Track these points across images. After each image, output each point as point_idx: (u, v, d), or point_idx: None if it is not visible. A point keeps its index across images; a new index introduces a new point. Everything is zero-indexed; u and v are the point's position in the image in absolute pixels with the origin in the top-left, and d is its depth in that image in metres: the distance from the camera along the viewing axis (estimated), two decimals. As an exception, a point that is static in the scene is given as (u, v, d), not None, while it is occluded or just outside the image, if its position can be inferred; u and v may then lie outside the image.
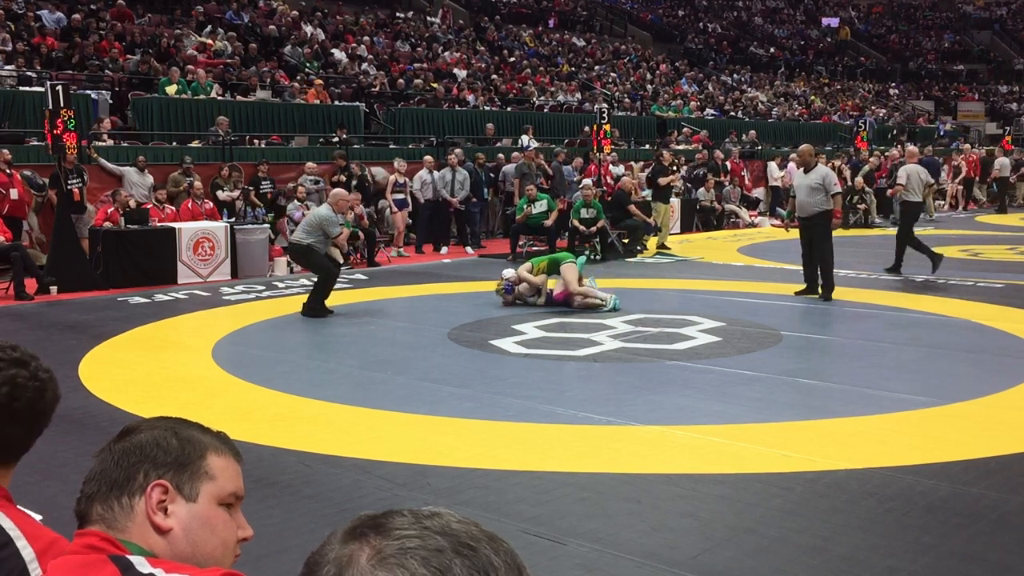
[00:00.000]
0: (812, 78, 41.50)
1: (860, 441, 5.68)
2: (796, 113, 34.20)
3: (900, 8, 52.41)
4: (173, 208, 13.67)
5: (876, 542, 4.21)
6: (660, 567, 3.98)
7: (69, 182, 12.78)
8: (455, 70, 24.56)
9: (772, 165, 22.41)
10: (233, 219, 14.19)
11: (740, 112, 31.41)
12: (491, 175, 18.09)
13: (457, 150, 17.00)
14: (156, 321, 9.91)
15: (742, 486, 4.95)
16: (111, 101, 16.38)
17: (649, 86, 30.89)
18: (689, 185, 20.24)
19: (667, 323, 9.52)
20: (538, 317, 9.94)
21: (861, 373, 7.37)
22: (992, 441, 5.64)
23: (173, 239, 12.61)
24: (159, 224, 12.97)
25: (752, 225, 20.78)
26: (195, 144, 16.19)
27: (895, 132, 33.81)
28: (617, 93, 27.96)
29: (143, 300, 11.19)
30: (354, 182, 15.67)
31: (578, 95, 26.68)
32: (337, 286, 12.12)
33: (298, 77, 19.88)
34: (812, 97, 37.71)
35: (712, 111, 29.99)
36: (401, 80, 22.02)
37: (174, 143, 16.09)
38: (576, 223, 14.96)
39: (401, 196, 16.13)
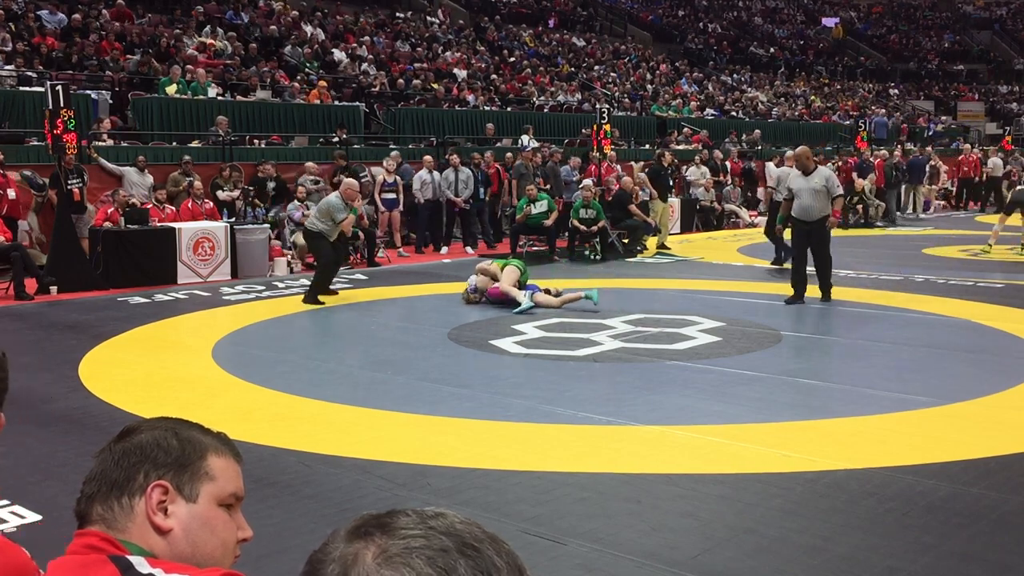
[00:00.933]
0: (812, 78, 41.49)
1: (860, 441, 5.68)
2: (796, 113, 34.20)
3: (900, 8, 52.40)
4: (173, 208, 13.67)
5: (876, 542, 4.21)
6: (660, 567, 3.98)
7: (69, 182, 12.77)
8: (455, 70, 24.56)
9: (770, 165, 22.41)
10: (233, 219, 14.19)
11: (740, 112, 31.41)
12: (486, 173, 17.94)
13: (488, 153, 17.14)
14: (156, 321, 9.91)
15: (742, 486, 4.95)
16: (111, 101, 16.38)
17: (649, 86, 30.89)
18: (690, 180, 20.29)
19: (667, 323, 9.52)
20: (538, 317, 9.94)
21: (861, 373, 7.37)
22: (992, 441, 5.64)
23: (173, 239, 12.61)
24: (159, 224, 12.97)
25: (752, 225, 20.77)
26: (195, 144, 16.19)
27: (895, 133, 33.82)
28: (617, 93, 27.96)
29: (143, 300, 11.18)
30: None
31: (578, 95, 26.68)
32: (337, 286, 12.14)
33: (298, 77, 19.88)
34: (812, 97, 37.71)
35: (712, 111, 29.99)
36: (401, 80, 22.03)
37: (174, 143, 16.09)
38: (576, 223, 14.97)
39: (392, 196, 16.07)
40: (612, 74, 30.72)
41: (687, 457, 5.45)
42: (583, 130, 21.73)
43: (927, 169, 24.49)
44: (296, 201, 14.51)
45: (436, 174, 16.49)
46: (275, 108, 18.20)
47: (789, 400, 6.62)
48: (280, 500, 4.76)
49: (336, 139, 17.52)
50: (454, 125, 20.94)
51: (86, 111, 15.01)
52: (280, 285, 12.42)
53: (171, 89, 16.81)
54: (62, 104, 11.83)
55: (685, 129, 26.42)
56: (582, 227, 14.91)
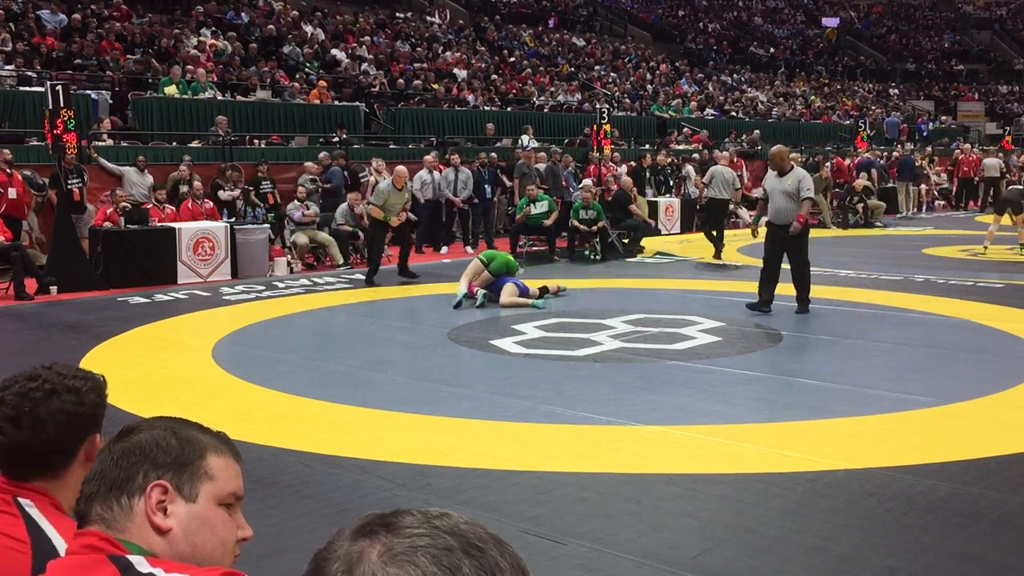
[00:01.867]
0: (812, 78, 41.49)
1: (860, 441, 5.68)
2: (796, 113, 34.20)
3: (900, 8, 52.39)
4: (173, 208, 13.66)
5: (876, 542, 4.21)
6: (660, 567, 3.97)
7: (69, 182, 12.78)
8: (455, 70, 24.56)
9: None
10: (233, 219, 14.19)
11: (740, 112, 31.41)
12: (495, 172, 17.91)
13: (493, 153, 17.14)
14: (156, 321, 9.91)
15: (742, 486, 4.94)
16: (111, 101, 16.38)
17: (649, 86, 30.89)
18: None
19: (667, 323, 9.51)
20: (538, 317, 9.94)
21: (861, 373, 7.36)
22: (992, 441, 5.64)
23: (173, 239, 12.61)
24: (159, 224, 12.97)
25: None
26: (195, 144, 16.19)
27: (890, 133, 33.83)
28: (617, 93, 27.96)
29: (143, 300, 11.18)
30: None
31: (578, 95, 26.67)
32: (337, 286, 12.16)
33: (297, 76, 19.89)
34: (812, 97, 37.71)
35: (712, 111, 29.99)
36: (401, 80, 22.03)
37: (174, 143, 16.09)
38: (576, 223, 14.96)
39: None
40: (612, 74, 30.72)
41: (687, 457, 5.45)
42: (585, 130, 21.73)
43: (914, 169, 24.43)
44: (296, 201, 14.51)
45: (436, 174, 16.48)
46: (275, 108, 18.20)
47: (789, 400, 6.62)
48: (280, 500, 4.76)
49: (336, 139, 17.52)
50: (454, 125, 20.94)
51: (86, 111, 15.01)
52: (280, 285, 12.41)
53: (170, 89, 16.80)
54: (62, 104, 11.83)
55: (685, 129, 26.43)
56: (582, 227, 14.91)
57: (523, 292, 10.90)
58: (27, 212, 12.99)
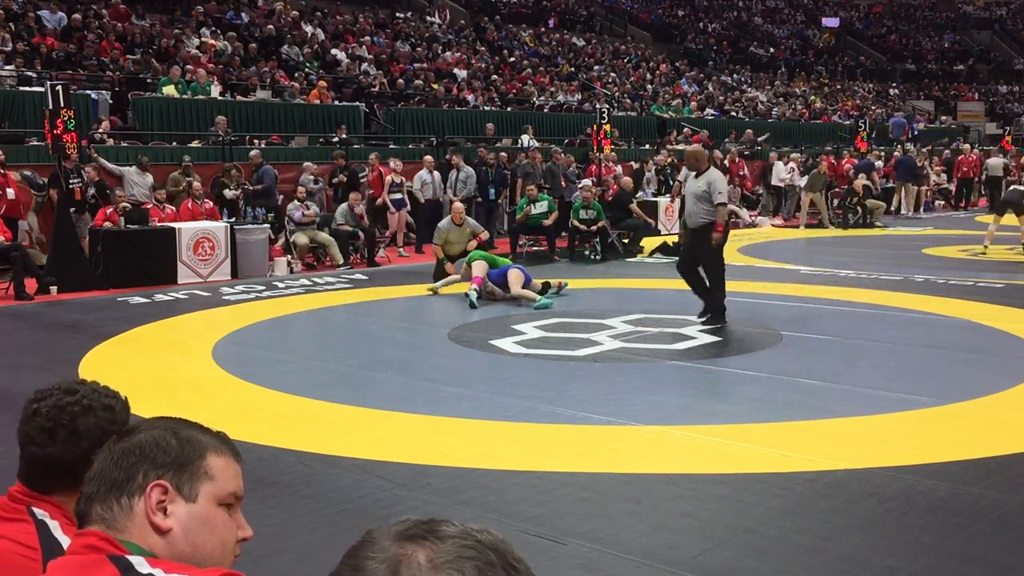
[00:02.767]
0: (812, 78, 41.49)
1: (860, 441, 5.68)
2: (796, 113, 34.20)
3: (900, 8, 52.40)
4: (173, 208, 13.66)
5: (876, 542, 4.21)
6: (660, 567, 3.98)
7: (71, 182, 12.79)
8: (455, 70, 24.57)
9: (779, 164, 22.43)
10: (233, 219, 14.19)
11: (740, 112, 31.41)
12: (504, 174, 17.83)
13: (503, 152, 17.22)
14: (156, 321, 9.91)
15: (742, 486, 4.94)
16: (111, 101, 16.38)
17: (649, 86, 30.89)
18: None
19: (667, 323, 9.51)
20: (538, 317, 9.94)
21: (861, 373, 7.36)
22: (992, 441, 5.64)
23: (173, 239, 12.60)
24: (159, 224, 12.97)
25: (752, 225, 20.78)
26: (195, 144, 16.19)
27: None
28: (617, 93, 27.96)
29: (143, 300, 11.18)
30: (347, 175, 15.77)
31: (578, 95, 26.68)
32: (337, 286, 12.17)
33: (297, 76, 19.89)
34: (812, 97, 37.71)
35: (712, 111, 29.99)
36: (401, 80, 22.03)
37: (174, 143, 16.09)
38: (576, 223, 14.97)
39: (399, 196, 16.13)
40: (612, 74, 30.72)
41: (687, 457, 5.45)
42: (586, 130, 21.73)
43: (913, 169, 24.40)
44: (296, 201, 14.51)
45: (436, 174, 16.48)
46: (275, 108, 18.20)
47: (789, 400, 6.62)
48: (280, 500, 4.76)
49: (336, 139, 17.52)
50: (454, 125, 20.94)
51: (86, 111, 15.00)
52: (280, 285, 12.41)
53: (168, 89, 16.80)
54: (62, 104, 11.83)
55: (685, 129, 26.43)
56: (582, 227, 14.92)
57: (527, 280, 10.98)
58: (24, 212, 12.99)
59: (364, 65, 22.32)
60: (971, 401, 6.54)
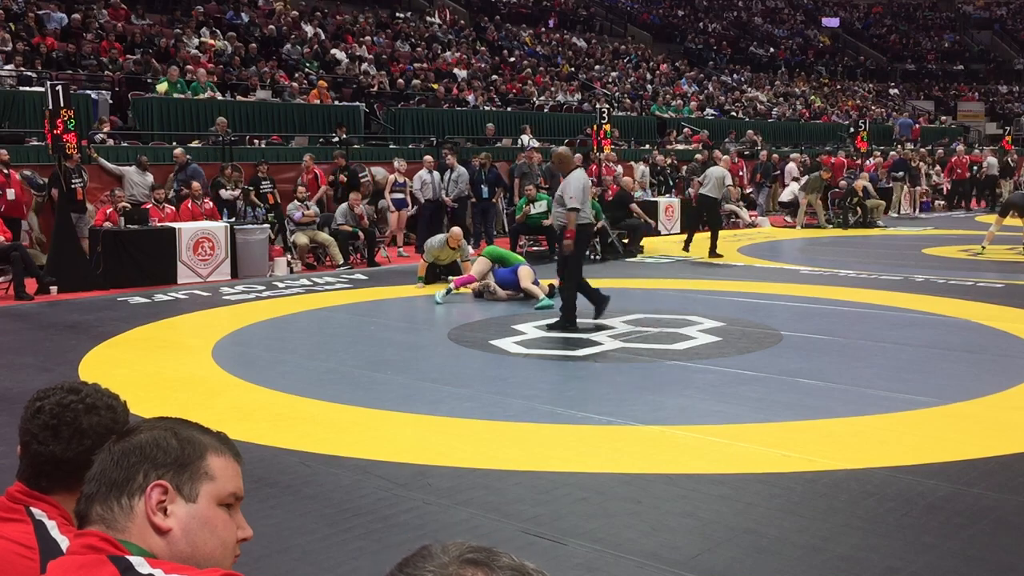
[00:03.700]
0: (812, 78, 41.49)
1: (860, 441, 5.68)
2: (796, 113, 34.19)
3: (900, 8, 52.40)
4: (173, 208, 13.67)
5: (876, 542, 4.21)
6: (660, 567, 3.98)
7: (72, 181, 12.79)
8: (455, 70, 24.56)
9: (792, 166, 22.46)
10: (233, 219, 14.19)
11: (740, 112, 31.40)
12: (498, 173, 17.79)
13: (487, 154, 17.24)
14: (156, 321, 9.91)
15: (742, 486, 4.94)
16: (111, 101, 16.38)
17: (649, 86, 30.89)
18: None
19: (667, 323, 9.51)
20: (538, 317, 9.94)
21: (861, 373, 7.36)
22: (992, 441, 5.64)
23: (173, 239, 12.60)
24: (159, 224, 12.97)
25: (752, 225, 20.79)
26: (195, 144, 16.19)
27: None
28: (617, 93, 27.96)
29: (143, 300, 11.18)
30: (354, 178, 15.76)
31: (578, 95, 26.67)
32: (337, 286, 12.16)
33: (297, 76, 19.88)
34: (812, 97, 37.71)
35: (712, 111, 29.99)
36: (401, 80, 22.02)
37: (174, 143, 16.09)
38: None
39: (400, 196, 16.13)
40: (612, 74, 30.72)
41: (687, 457, 5.45)
42: (586, 129, 21.74)
43: (909, 169, 24.38)
44: (296, 201, 14.51)
45: (436, 174, 16.47)
46: (275, 108, 18.20)
47: (789, 400, 6.62)
48: (280, 500, 4.76)
49: (336, 139, 17.52)
50: (454, 125, 20.94)
51: (86, 111, 15.00)
52: (280, 285, 12.41)
53: (161, 88, 16.77)
54: (62, 104, 11.83)
55: (685, 129, 26.43)
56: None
57: (536, 281, 11.02)
58: (26, 212, 13.00)
59: (364, 65, 22.32)
60: (971, 401, 6.54)
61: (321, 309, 10.71)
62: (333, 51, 22.41)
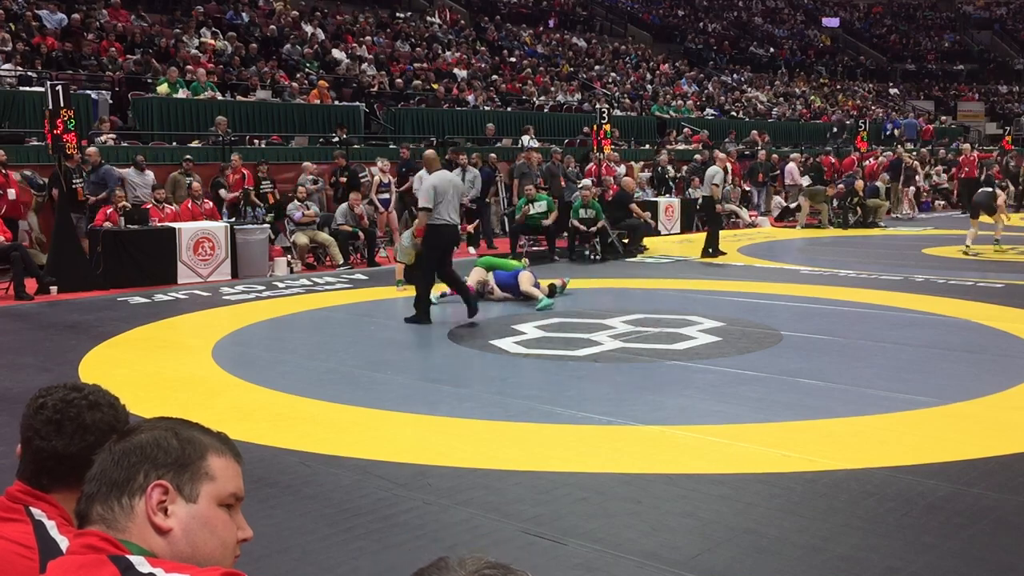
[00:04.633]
0: (812, 78, 41.49)
1: (860, 441, 5.68)
2: (796, 113, 34.18)
3: (900, 8, 52.40)
4: (173, 208, 13.67)
5: (876, 542, 4.21)
6: (660, 567, 3.98)
7: (74, 181, 12.79)
8: (455, 70, 24.56)
9: (792, 166, 22.46)
10: (233, 219, 14.19)
11: (740, 112, 31.40)
12: (490, 173, 17.84)
13: (492, 153, 17.25)
14: (156, 321, 9.91)
15: (742, 486, 4.94)
16: (111, 101, 16.38)
17: (649, 86, 30.89)
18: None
19: (667, 323, 9.51)
20: (538, 317, 9.94)
21: (861, 373, 7.36)
22: (992, 441, 5.64)
23: (173, 239, 12.60)
24: (159, 224, 12.97)
25: (752, 225, 20.79)
26: (195, 144, 16.19)
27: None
28: (617, 93, 27.96)
29: (143, 300, 11.18)
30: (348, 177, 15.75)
31: (578, 95, 26.67)
32: (337, 286, 12.16)
33: (297, 76, 19.88)
34: (812, 97, 37.71)
35: (712, 111, 29.99)
36: (401, 80, 22.02)
37: (174, 143, 16.09)
38: (576, 223, 14.97)
39: (386, 196, 16.14)
40: (612, 74, 30.72)
41: (687, 457, 5.45)
42: (584, 130, 21.74)
43: (903, 169, 24.33)
44: (296, 201, 14.51)
45: (436, 174, 16.43)
46: (275, 108, 18.20)
47: (789, 400, 6.62)
48: (280, 500, 4.76)
49: (336, 139, 17.52)
50: (454, 125, 20.94)
51: (86, 111, 15.00)
52: (280, 285, 12.41)
53: (162, 89, 16.77)
54: (62, 104, 11.83)
55: (685, 129, 26.42)
56: (582, 227, 14.92)
57: (536, 285, 11.04)
58: (25, 212, 13.00)
59: (364, 65, 22.32)
60: (971, 401, 6.54)
61: (321, 309, 10.71)
62: (333, 51, 22.41)
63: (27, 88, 15.27)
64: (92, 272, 12.06)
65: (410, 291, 11.89)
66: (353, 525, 4.43)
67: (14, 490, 1.80)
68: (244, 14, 22.31)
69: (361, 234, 14.43)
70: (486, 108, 22.50)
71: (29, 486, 1.79)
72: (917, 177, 24.71)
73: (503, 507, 4.66)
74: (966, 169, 25.43)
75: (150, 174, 14.35)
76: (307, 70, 20.57)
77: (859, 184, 20.79)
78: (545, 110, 24.27)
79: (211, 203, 14.16)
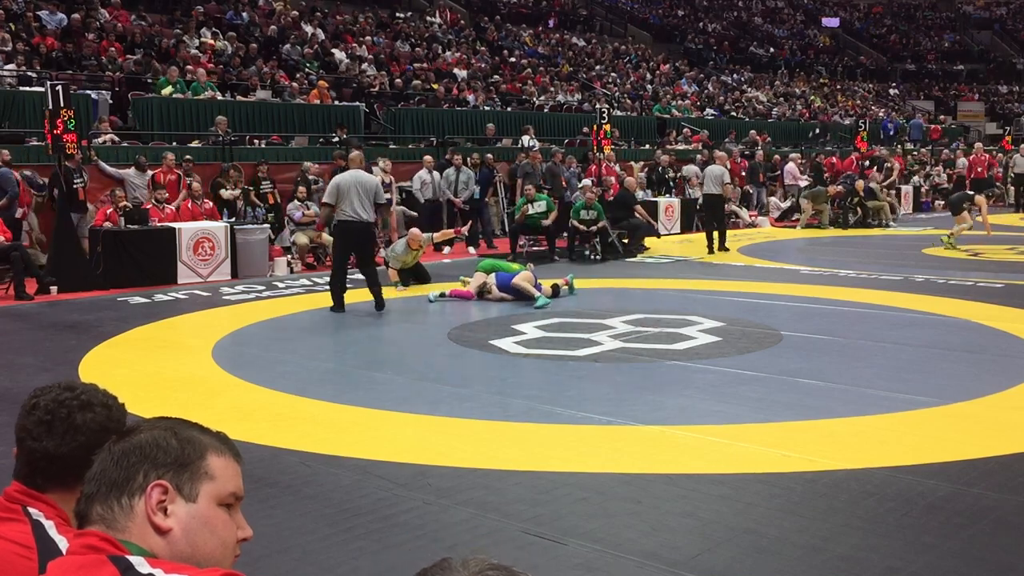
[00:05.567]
0: (812, 78, 41.49)
1: (860, 441, 5.68)
2: (796, 113, 34.18)
3: (900, 8, 52.39)
4: (173, 208, 13.66)
5: (876, 542, 4.21)
6: (660, 567, 3.98)
7: (74, 182, 12.79)
8: (455, 70, 24.56)
9: (792, 166, 22.45)
10: (233, 219, 14.19)
11: (740, 112, 31.40)
12: (488, 173, 17.84)
13: (488, 154, 17.20)
14: (156, 321, 9.91)
15: (742, 486, 4.94)
16: (111, 101, 16.37)
17: (649, 86, 30.89)
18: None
19: (667, 323, 9.51)
20: (538, 317, 9.95)
21: (861, 373, 7.36)
22: (992, 441, 5.64)
23: (173, 239, 12.60)
24: (159, 224, 12.97)
25: (752, 225, 20.79)
26: (195, 144, 16.18)
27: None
28: (617, 93, 27.96)
29: (143, 300, 11.18)
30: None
31: (578, 95, 26.67)
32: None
33: (297, 76, 19.88)
34: (812, 97, 37.71)
35: (712, 111, 29.99)
36: (401, 80, 22.02)
37: (174, 143, 16.08)
38: (576, 223, 14.97)
39: (387, 196, 16.13)
40: (612, 74, 30.72)
41: (687, 457, 5.45)
42: (584, 129, 21.73)
43: (884, 169, 24.24)
44: (296, 201, 14.50)
45: (436, 174, 16.46)
46: (275, 108, 18.20)
47: (789, 400, 6.62)
48: (280, 500, 4.76)
49: (336, 139, 17.51)
50: (454, 125, 20.94)
51: (86, 111, 14.99)
52: (280, 285, 12.41)
53: (167, 90, 16.78)
54: (62, 104, 11.83)
55: (685, 129, 26.42)
56: (582, 227, 14.92)
57: (538, 287, 11.02)
58: (26, 212, 13.00)
59: (364, 65, 22.32)
60: (971, 401, 6.54)
61: (321, 309, 10.70)
62: (333, 51, 22.41)
63: (27, 88, 15.26)
64: (92, 272, 12.06)
65: (410, 291, 11.91)
66: (353, 525, 4.44)
67: (11, 490, 1.80)
68: (244, 14, 22.30)
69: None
70: (486, 108, 22.50)
71: (25, 486, 1.79)
72: (893, 177, 24.50)
73: (503, 507, 4.66)
74: (977, 168, 25.28)
75: (150, 173, 14.33)
76: (307, 70, 20.57)
77: (859, 184, 20.80)
78: (545, 110, 24.27)
79: (211, 203, 14.15)
